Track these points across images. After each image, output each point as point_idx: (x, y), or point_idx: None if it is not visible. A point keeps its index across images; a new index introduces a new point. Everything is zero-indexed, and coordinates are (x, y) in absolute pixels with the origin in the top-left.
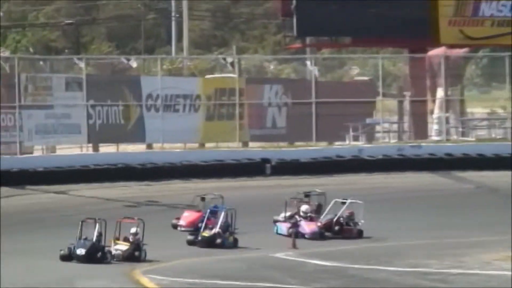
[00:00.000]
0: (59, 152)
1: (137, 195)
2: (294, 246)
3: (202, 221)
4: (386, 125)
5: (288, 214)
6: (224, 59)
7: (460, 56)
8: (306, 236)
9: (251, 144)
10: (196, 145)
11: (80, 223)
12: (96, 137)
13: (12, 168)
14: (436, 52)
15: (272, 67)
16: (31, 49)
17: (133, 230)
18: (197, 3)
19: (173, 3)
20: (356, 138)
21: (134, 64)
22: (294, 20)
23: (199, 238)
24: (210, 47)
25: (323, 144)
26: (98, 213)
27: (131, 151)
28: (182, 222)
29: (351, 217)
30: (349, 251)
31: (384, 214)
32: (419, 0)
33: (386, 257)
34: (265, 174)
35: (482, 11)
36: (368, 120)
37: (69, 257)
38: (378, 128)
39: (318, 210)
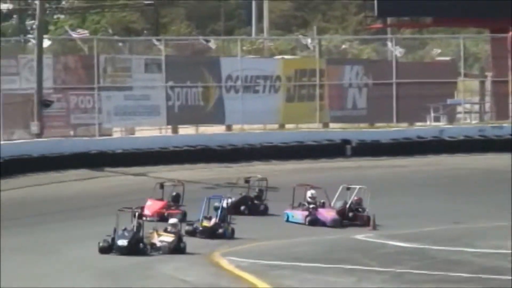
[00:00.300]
0: (138, 134)
1: (216, 177)
2: (374, 227)
3: (167, 210)
4: (468, 105)
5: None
6: (305, 40)
7: None
8: (327, 224)
9: (331, 125)
10: (276, 126)
11: (117, 213)
12: (175, 118)
13: (90, 150)
14: None
15: (344, 46)
16: (110, 31)
17: (172, 220)
18: None
19: None
20: (437, 119)
21: (213, 45)
22: (375, 3)
23: (200, 228)
24: (290, 28)
25: (403, 125)
26: (195, 201)
27: (211, 132)
28: (147, 211)
29: (359, 203)
30: (430, 233)
31: (465, 195)
32: None
33: (468, 239)
34: (346, 155)
35: None
36: (449, 101)
37: (109, 249)
38: (459, 108)
39: (260, 196)
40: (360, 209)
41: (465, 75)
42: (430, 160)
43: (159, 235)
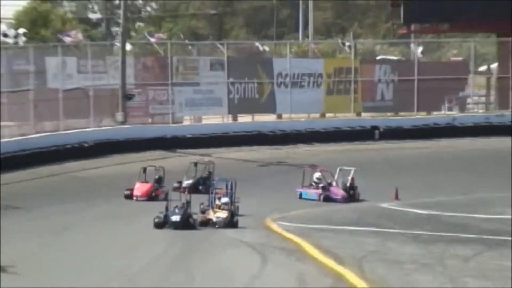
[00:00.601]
0: (204, 121)
1: (268, 157)
2: (397, 198)
3: (154, 191)
4: (476, 98)
5: (190, 181)
6: (343, 43)
7: None
8: (338, 200)
9: (363, 114)
10: (318, 115)
11: (169, 191)
12: (235, 109)
13: (165, 134)
14: None
15: (377, 47)
16: (181, 36)
17: (224, 200)
18: None
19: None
20: (450, 109)
21: (266, 47)
22: (401, 9)
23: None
24: (330, 34)
25: (422, 114)
26: (236, 172)
27: (264, 120)
28: (137, 192)
29: (353, 182)
30: (443, 202)
31: (473, 171)
32: None
33: (473, 207)
34: (374, 139)
35: None
36: (460, 94)
37: (163, 224)
38: (469, 100)
39: (208, 177)
40: (354, 187)
41: (475, 73)
42: (444, 143)
43: (214, 212)
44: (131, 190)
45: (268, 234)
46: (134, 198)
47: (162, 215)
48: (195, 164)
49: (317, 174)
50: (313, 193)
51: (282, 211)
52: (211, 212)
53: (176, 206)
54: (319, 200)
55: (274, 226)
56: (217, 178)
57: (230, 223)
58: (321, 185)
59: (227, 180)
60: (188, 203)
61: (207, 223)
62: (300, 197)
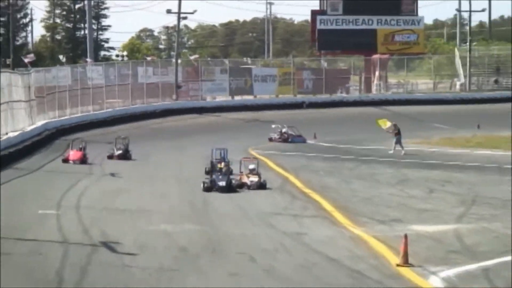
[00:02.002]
0: (217, 99)
1: (250, 117)
2: (315, 137)
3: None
4: (355, 87)
5: (121, 151)
6: (287, 61)
7: (386, 58)
8: (303, 141)
9: (298, 95)
10: (274, 95)
11: (210, 162)
12: (232, 92)
13: (196, 105)
14: (376, 56)
15: (305, 62)
16: (206, 56)
17: (251, 166)
18: (277, 36)
19: (269, 38)
20: (341, 93)
21: (249, 61)
22: (316, 43)
23: (218, 168)
24: (280, 55)
25: (327, 95)
26: (233, 125)
27: (248, 98)
28: (73, 158)
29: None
30: (338, 140)
31: (352, 125)
32: (370, 34)
33: (354, 142)
34: (303, 108)
35: (395, 38)
36: (346, 85)
37: (211, 188)
38: (351, 88)
39: (126, 150)
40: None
41: (354, 74)
42: (339, 110)
43: (248, 177)
44: (67, 156)
45: (249, 156)
46: (71, 162)
47: (208, 181)
48: (117, 138)
49: (284, 129)
50: (300, 139)
51: (257, 145)
52: (244, 176)
53: (220, 174)
54: (303, 142)
55: (253, 152)
56: (214, 148)
57: (261, 185)
58: (290, 133)
59: (221, 149)
60: (228, 169)
61: (242, 186)
62: (292, 141)
